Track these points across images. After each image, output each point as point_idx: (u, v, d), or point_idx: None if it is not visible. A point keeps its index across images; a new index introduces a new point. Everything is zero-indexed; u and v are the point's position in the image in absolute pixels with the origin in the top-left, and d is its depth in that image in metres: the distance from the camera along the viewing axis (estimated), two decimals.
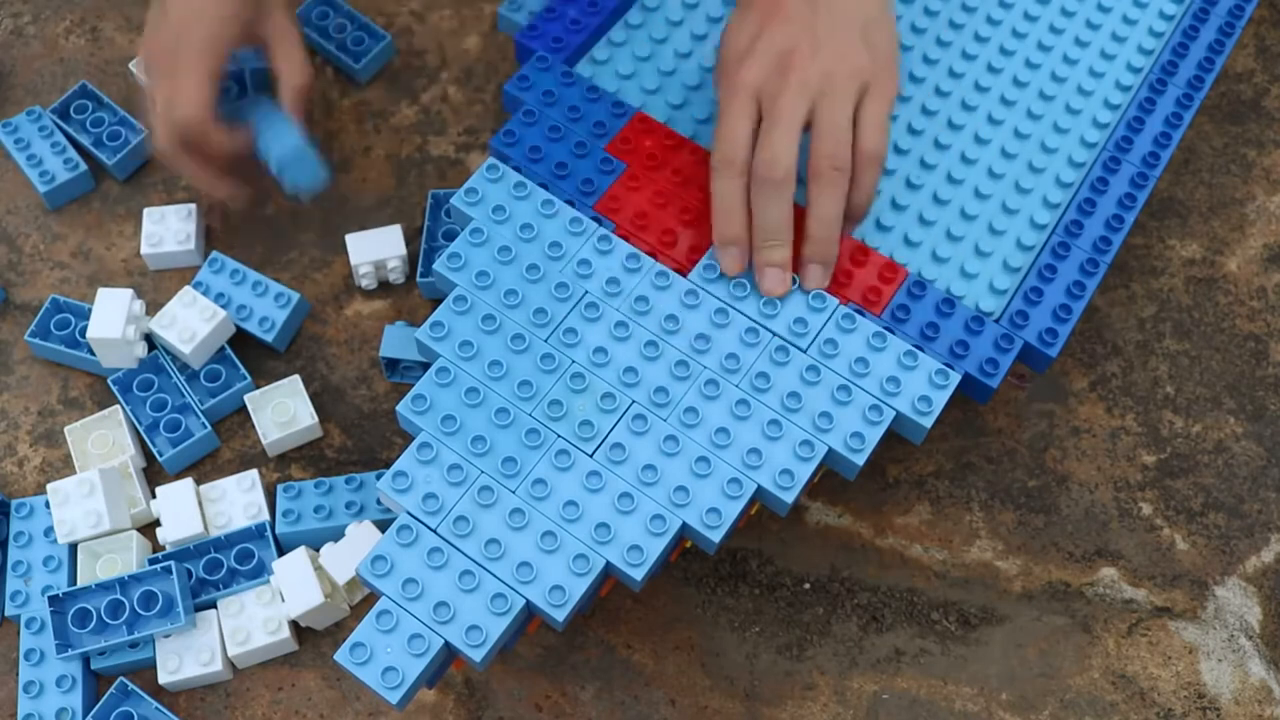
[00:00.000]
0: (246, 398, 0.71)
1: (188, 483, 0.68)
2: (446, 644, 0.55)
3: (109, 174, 0.80)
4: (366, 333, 0.76)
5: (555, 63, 0.69)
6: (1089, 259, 0.66)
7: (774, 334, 0.62)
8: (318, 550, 0.67)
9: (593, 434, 0.60)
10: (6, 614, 0.67)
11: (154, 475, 0.71)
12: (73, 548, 0.68)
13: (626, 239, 0.64)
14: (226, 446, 0.72)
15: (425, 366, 0.71)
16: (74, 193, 0.80)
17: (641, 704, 0.66)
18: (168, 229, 0.76)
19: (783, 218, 0.60)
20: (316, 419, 0.71)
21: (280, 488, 0.69)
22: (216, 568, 0.66)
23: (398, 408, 0.60)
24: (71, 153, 0.79)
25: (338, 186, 0.80)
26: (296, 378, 0.72)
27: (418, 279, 0.75)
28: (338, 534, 0.68)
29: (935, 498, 0.71)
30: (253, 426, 0.72)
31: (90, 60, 0.85)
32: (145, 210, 0.77)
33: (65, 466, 0.72)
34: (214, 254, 0.75)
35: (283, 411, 0.71)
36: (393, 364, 0.73)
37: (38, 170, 0.79)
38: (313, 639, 0.67)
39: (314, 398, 0.72)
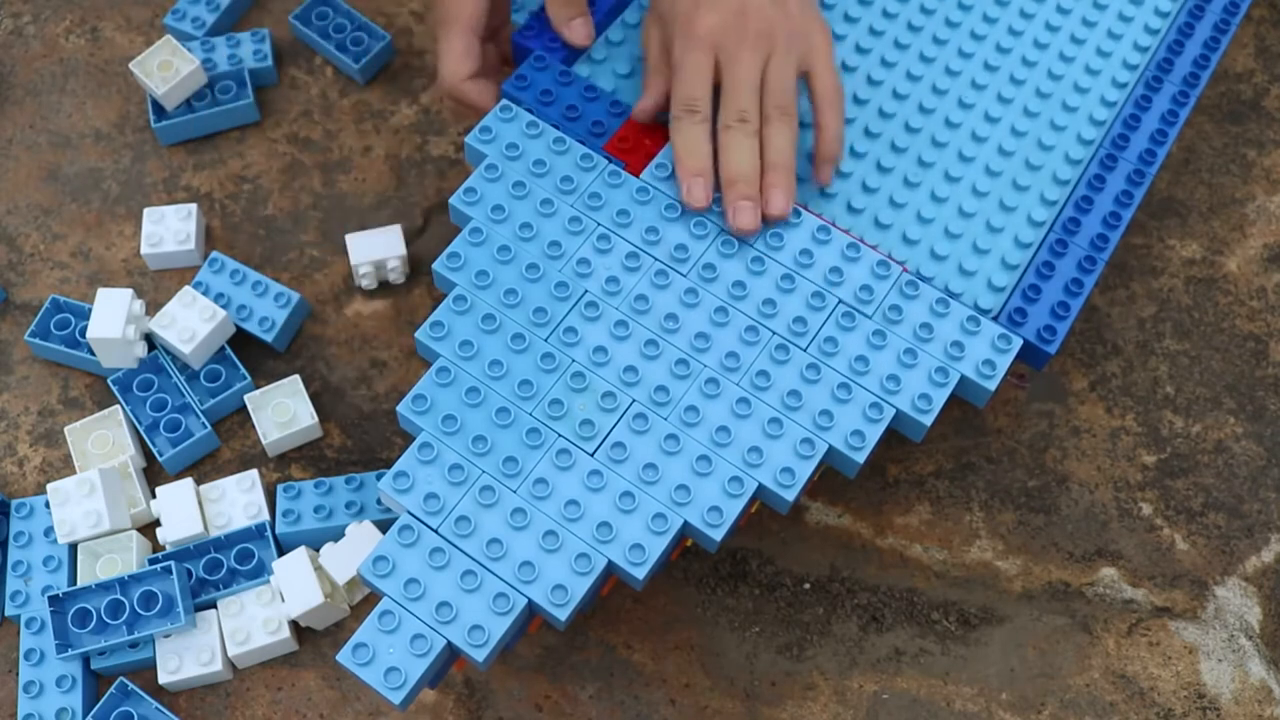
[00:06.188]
0: (246, 398, 0.71)
1: (188, 483, 0.68)
2: (449, 644, 0.55)
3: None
4: (366, 333, 0.76)
5: (553, 62, 0.69)
6: (1087, 256, 0.66)
7: (774, 332, 0.62)
8: (318, 550, 0.67)
9: (593, 433, 0.60)
10: (6, 614, 0.67)
11: (154, 475, 0.71)
12: (73, 548, 0.68)
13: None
14: (226, 446, 0.72)
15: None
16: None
17: (641, 704, 0.66)
18: (168, 229, 0.76)
19: (754, 157, 0.64)
20: (316, 419, 0.71)
21: (280, 488, 0.69)
22: (216, 568, 0.66)
23: (398, 407, 0.60)
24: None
25: (338, 186, 0.80)
26: (296, 378, 0.72)
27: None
28: (338, 534, 0.68)
29: (935, 498, 0.71)
30: (253, 426, 0.72)
31: (90, 60, 0.85)
32: (145, 210, 0.77)
33: (65, 466, 0.72)
34: (214, 254, 0.75)
35: (283, 412, 0.71)
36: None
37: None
38: (313, 639, 0.67)
39: (314, 398, 0.72)
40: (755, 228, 0.64)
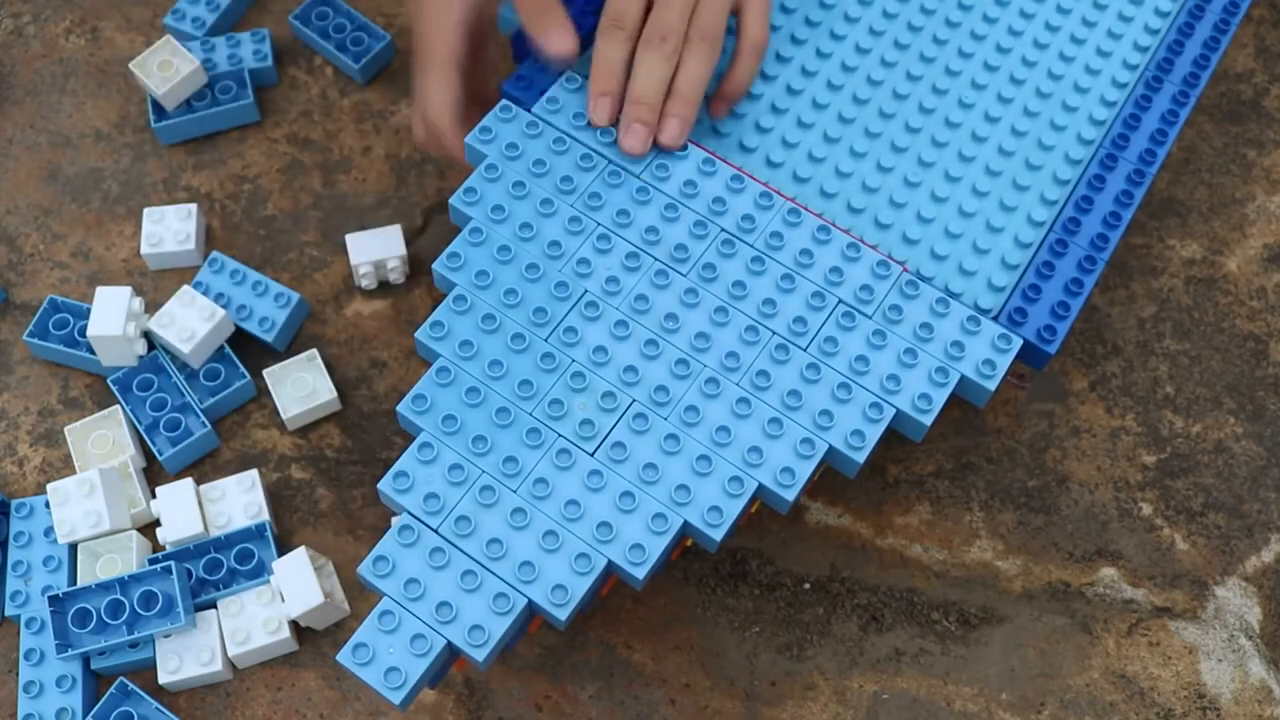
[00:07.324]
0: (266, 373, 0.72)
1: (188, 483, 0.68)
2: (449, 644, 0.55)
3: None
4: (366, 333, 0.76)
5: None
6: (1087, 256, 0.66)
7: (774, 332, 0.62)
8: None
9: (593, 433, 0.60)
10: (6, 614, 0.67)
11: (154, 475, 0.71)
12: (73, 548, 0.68)
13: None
14: (226, 446, 0.72)
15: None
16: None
17: (641, 704, 0.66)
18: (168, 229, 0.76)
19: (663, 81, 0.64)
20: (335, 393, 0.72)
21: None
22: (216, 568, 0.66)
23: (398, 408, 0.60)
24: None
25: (338, 186, 0.80)
26: (314, 352, 0.72)
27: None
28: None
29: (935, 498, 0.71)
30: (253, 425, 0.72)
31: (90, 60, 0.85)
32: (145, 210, 0.77)
33: (65, 466, 0.72)
34: (214, 254, 0.75)
35: (301, 386, 0.71)
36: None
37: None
38: (313, 639, 0.67)
39: None
40: (642, 151, 0.65)
